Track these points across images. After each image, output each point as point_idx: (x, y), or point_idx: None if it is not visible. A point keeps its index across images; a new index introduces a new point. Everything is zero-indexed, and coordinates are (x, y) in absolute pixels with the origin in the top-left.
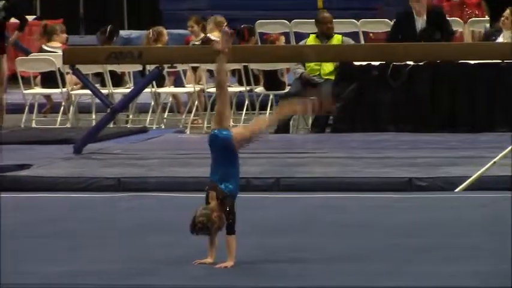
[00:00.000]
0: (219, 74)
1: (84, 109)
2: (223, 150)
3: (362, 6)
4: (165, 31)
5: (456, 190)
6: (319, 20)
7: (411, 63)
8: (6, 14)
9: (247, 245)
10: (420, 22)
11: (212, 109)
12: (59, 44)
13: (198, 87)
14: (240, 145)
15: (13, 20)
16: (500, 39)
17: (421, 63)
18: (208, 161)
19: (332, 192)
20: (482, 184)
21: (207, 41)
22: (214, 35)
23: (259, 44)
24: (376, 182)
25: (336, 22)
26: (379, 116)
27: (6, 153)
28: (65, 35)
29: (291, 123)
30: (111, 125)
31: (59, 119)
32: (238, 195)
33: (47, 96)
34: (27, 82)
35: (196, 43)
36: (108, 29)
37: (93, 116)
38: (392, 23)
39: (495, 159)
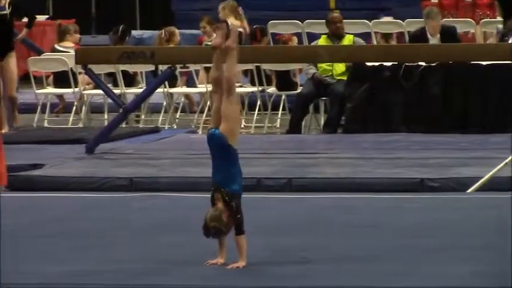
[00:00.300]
0: (213, 70)
1: (96, 109)
2: (221, 150)
3: (374, 6)
4: (177, 31)
5: (468, 191)
6: (329, 20)
7: (423, 64)
8: (12, 11)
9: (258, 245)
10: (434, 41)
11: None
12: (71, 44)
13: (210, 88)
14: (234, 132)
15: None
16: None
17: (433, 64)
18: None
19: (344, 193)
20: (494, 185)
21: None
22: (231, 21)
23: (271, 44)
24: (388, 182)
25: (348, 23)
26: (391, 116)
27: (18, 152)
28: (78, 35)
29: (302, 123)
30: (124, 125)
31: (71, 118)
32: (248, 195)
33: (60, 96)
34: (40, 82)
35: (209, 43)
36: (121, 29)
37: (106, 116)
38: (404, 23)
39: (507, 160)
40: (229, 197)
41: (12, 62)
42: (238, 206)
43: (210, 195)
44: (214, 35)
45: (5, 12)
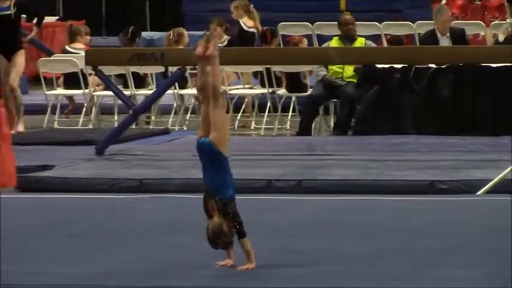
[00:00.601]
0: (198, 79)
1: (106, 110)
2: (211, 158)
3: (385, 8)
4: (185, 32)
5: (478, 193)
6: (341, 22)
7: (433, 66)
8: (17, 11)
9: (268, 247)
10: (444, 41)
11: (235, 110)
12: (82, 46)
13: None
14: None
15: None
16: None
17: (443, 66)
18: (230, 162)
19: (353, 195)
20: (504, 187)
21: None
22: (244, 21)
23: (282, 46)
24: (398, 184)
25: (358, 24)
26: (401, 118)
27: (28, 153)
28: (88, 37)
29: (312, 125)
30: (134, 127)
31: (81, 120)
32: (259, 196)
33: (69, 97)
34: (50, 83)
35: (220, 45)
36: (131, 30)
37: (115, 117)
38: (415, 25)
39: None
40: (225, 206)
41: (19, 58)
42: (235, 211)
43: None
44: (225, 36)
45: (9, 12)
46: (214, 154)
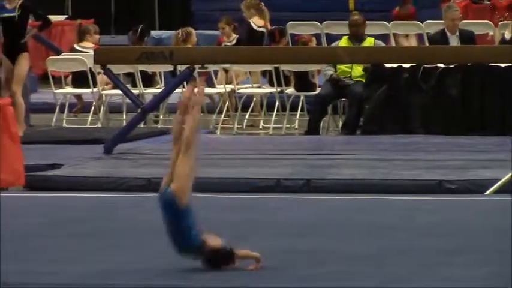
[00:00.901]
0: (174, 122)
1: (114, 109)
2: (171, 212)
3: (394, 7)
4: (194, 31)
5: (486, 193)
6: (350, 22)
7: (442, 65)
8: (22, 14)
9: (276, 247)
10: (453, 40)
11: (243, 110)
12: (91, 45)
13: (229, 88)
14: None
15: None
16: None
17: (451, 66)
18: (238, 162)
19: (361, 194)
20: None
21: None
22: (254, 20)
23: (290, 45)
24: (406, 184)
25: (367, 24)
26: (409, 118)
27: (36, 152)
28: (97, 36)
29: (321, 125)
30: (142, 125)
31: (89, 118)
32: (267, 196)
33: (78, 96)
34: (58, 82)
35: (228, 44)
36: (140, 29)
37: (124, 116)
38: (424, 25)
39: None
40: (203, 253)
41: (22, 61)
42: (213, 248)
43: (229, 196)
44: (233, 35)
45: (13, 14)
46: (173, 209)
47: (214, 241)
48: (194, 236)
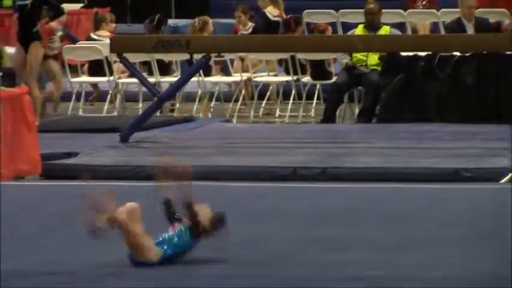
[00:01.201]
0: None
1: (131, 97)
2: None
3: None
4: (210, 20)
5: (502, 181)
6: (366, 11)
7: (458, 54)
8: (34, 2)
9: (292, 235)
10: (470, 27)
11: (259, 98)
12: (107, 33)
13: (245, 77)
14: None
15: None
16: None
17: (467, 54)
18: (254, 150)
19: (377, 183)
20: None
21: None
22: (270, 10)
23: (306, 33)
24: (422, 172)
25: (383, 12)
26: (426, 106)
27: (53, 141)
28: (113, 25)
29: (337, 113)
30: (158, 114)
31: (105, 107)
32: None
33: (94, 85)
34: (75, 70)
35: (245, 32)
36: (157, 18)
37: (140, 105)
38: (439, 13)
39: None
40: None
41: (33, 51)
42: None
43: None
44: (249, 23)
45: (26, 2)
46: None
47: (203, 212)
48: (175, 247)
